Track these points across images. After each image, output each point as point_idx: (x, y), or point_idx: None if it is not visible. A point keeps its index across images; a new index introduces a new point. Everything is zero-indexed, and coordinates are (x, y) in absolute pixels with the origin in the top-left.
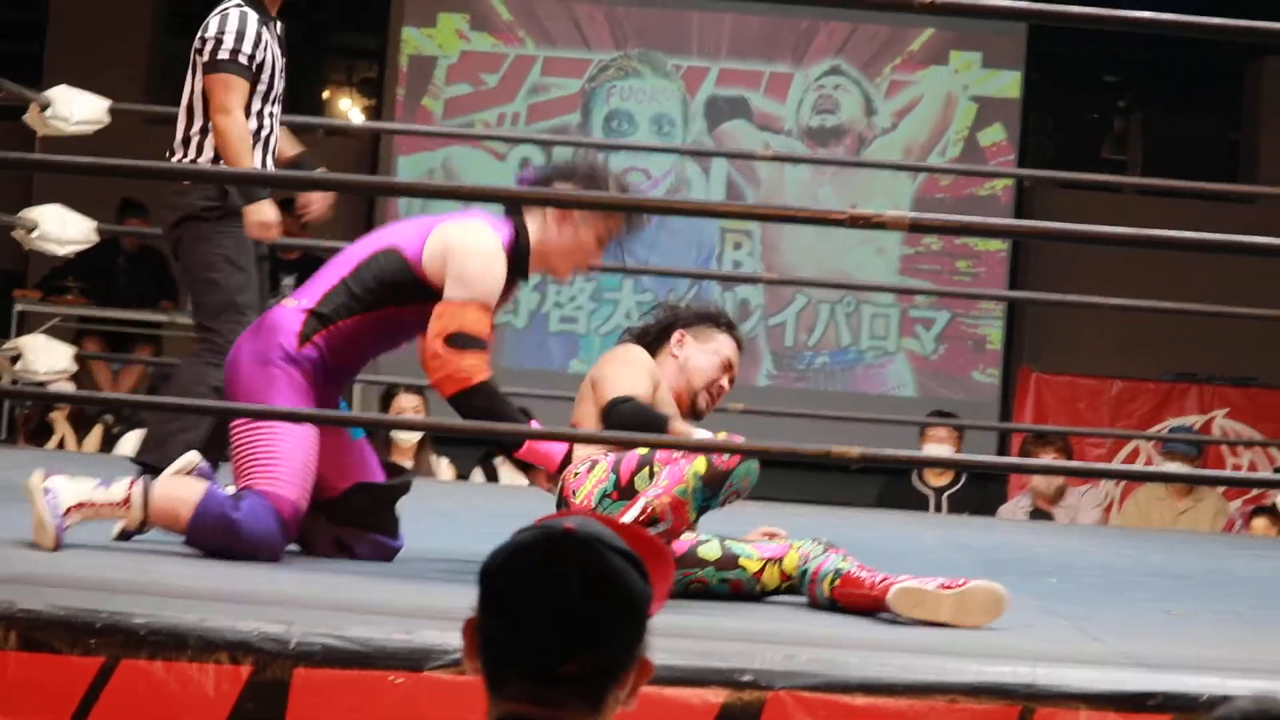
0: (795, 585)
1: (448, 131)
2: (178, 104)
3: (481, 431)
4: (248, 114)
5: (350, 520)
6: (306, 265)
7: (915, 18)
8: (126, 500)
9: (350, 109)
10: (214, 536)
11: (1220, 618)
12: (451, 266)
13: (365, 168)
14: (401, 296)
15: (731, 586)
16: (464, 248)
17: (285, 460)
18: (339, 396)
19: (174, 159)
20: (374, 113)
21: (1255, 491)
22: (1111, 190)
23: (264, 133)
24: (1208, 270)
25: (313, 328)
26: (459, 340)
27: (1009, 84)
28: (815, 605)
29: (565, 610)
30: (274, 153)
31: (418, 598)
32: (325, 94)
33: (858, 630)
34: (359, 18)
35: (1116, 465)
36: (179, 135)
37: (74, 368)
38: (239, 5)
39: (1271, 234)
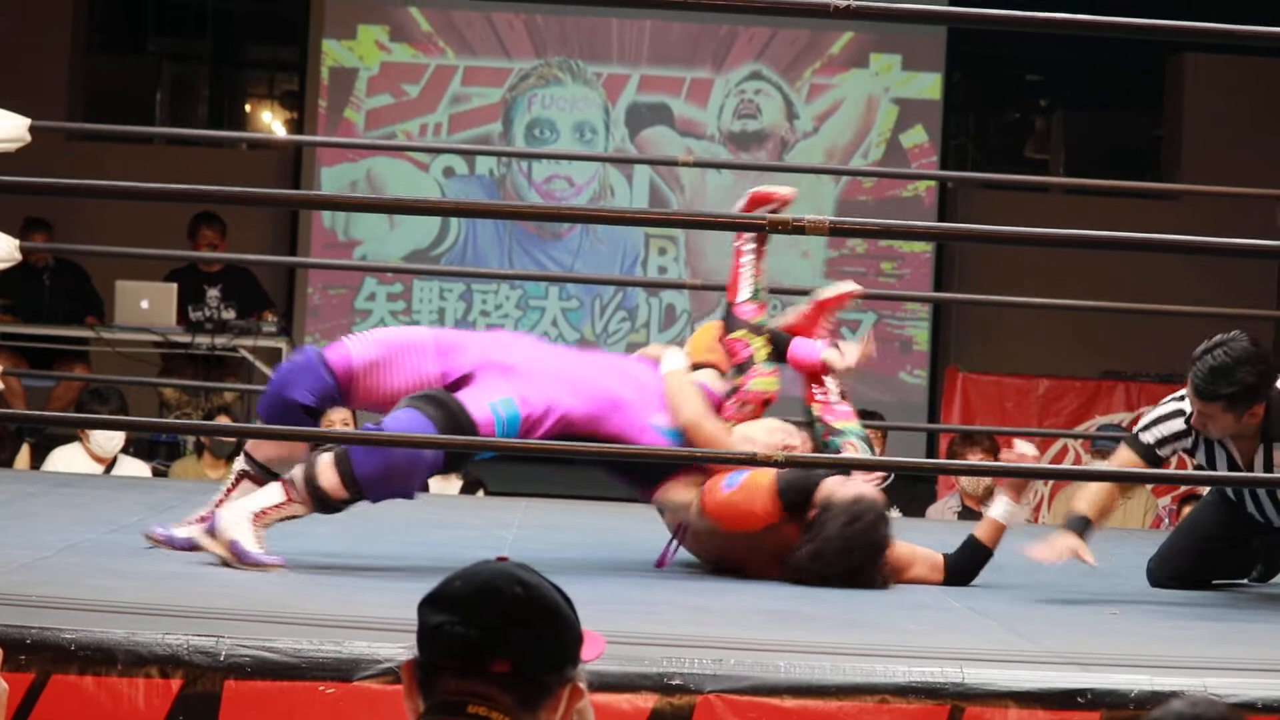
0: None
1: (370, 143)
2: (98, 120)
3: (424, 442)
4: None
5: None
6: (230, 277)
7: (834, 21)
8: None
9: (272, 121)
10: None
11: (1149, 615)
12: None
13: (288, 180)
14: None
15: None
16: None
17: None
18: None
19: None
20: (296, 125)
21: (1183, 488)
22: (1035, 189)
23: None
24: (1133, 268)
25: None
26: None
27: (930, 85)
28: None
29: (495, 611)
30: None
31: (347, 608)
32: (247, 107)
33: (786, 633)
34: (279, 31)
35: (1044, 465)
36: None
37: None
38: None
39: (1195, 230)
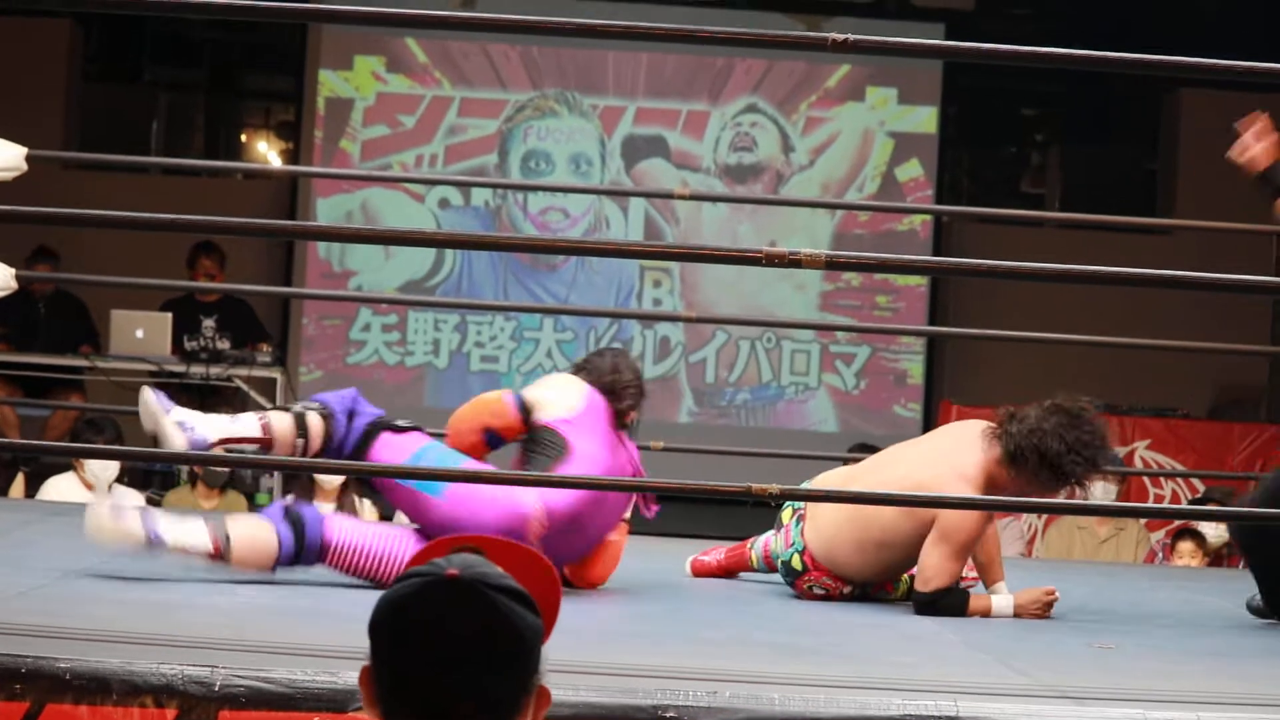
0: None
1: (365, 174)
2: (94, 149)
3: (405, 473)
4: None
5: None
6: (226, 307)
7: (831, 55)
8: None
9: (268, 152)
10: None
11: (1142, 650)
12: None
13: (284, 210)
14: None
15: None
16: None
17: None
18: None
19: None
20: (291, 155)
21: (1177, 522)
22: (1030, 224)
23: None
24: (1128, 302)
25: None
26: None
27: (926, 119)
28: None
29: (454, 658)
30: None
31: (342, 638)
32: (243, 137)
33: (781, 665)
34: (275, 61)
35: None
36: None
37: None
38: None
39: (1190, 265)
